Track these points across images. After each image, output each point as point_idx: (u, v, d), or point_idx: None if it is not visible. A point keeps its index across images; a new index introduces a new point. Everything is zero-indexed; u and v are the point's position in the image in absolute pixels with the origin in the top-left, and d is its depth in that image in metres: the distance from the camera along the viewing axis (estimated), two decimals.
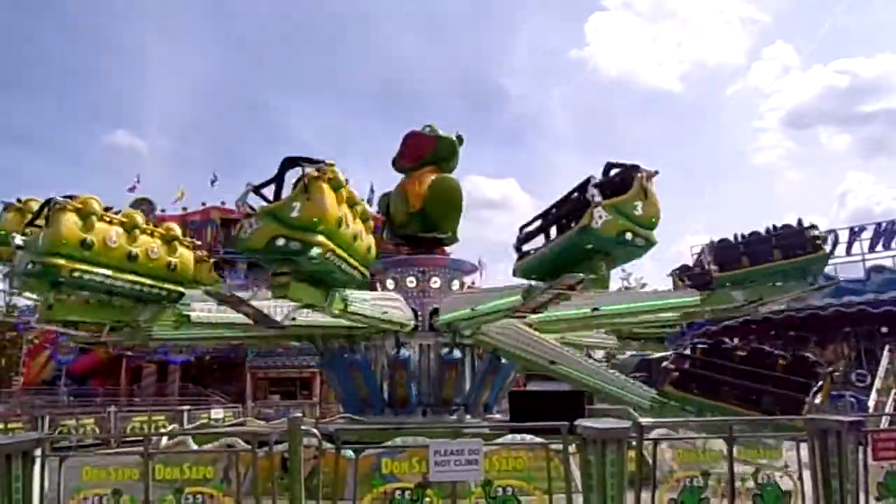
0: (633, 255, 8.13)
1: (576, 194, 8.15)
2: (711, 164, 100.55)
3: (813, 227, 10.33)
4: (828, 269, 32.29)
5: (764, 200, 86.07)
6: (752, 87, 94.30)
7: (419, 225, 13.57)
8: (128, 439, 11.52)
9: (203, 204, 38.51)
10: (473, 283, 19.16)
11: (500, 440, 7.51)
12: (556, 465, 5.55)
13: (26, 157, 74.65)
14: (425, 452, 5.26)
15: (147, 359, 33.37)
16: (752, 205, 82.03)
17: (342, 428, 7.62)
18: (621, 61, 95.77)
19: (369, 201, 41.44)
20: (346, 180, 7.04)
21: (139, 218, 8.11)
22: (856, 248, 30.23)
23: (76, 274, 7.36)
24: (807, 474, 6.05)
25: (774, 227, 10.84)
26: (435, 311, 12.10)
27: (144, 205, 35.77)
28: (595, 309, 11.14)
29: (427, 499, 5.28)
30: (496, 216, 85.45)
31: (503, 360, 12.27)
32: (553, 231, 8.89)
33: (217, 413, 20.16)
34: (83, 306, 8.41)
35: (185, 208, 38.22)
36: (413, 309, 12.00)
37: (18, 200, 8.59)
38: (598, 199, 7.31)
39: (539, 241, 9.25)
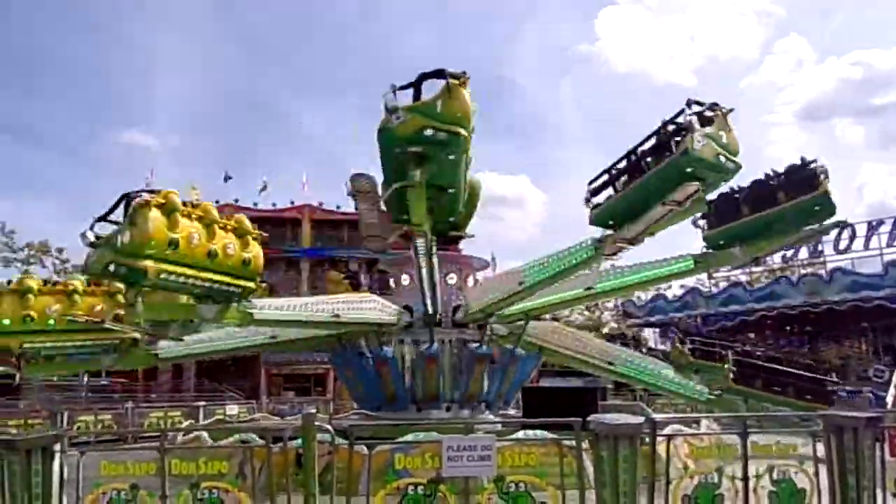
0: (723, 179, 8.32)
1: (653, 139, 8.30)
2: None
3: (815, 160, 9.43)
4: (845, 264, 32.17)
5: None
6: (766, 80, 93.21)
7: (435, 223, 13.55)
8: (145, 435, 11.65)
9: (216, 202, 38.77)
10: (486, 278, 19.10)
11: (512, 436, 7.52)
12: (569, 461, 5.55)
13: (38, 156, 75.51)
14: (438, 448, 5.28)
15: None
16: None
17: (356, 424, 7.71)
18: (633, 56, 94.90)
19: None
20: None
21: (215, 211, 7.74)
22: (873, 242, 29.87)
23: (162, 276, 7.01)
24: (823, 471, 6.00)
25: (774, 170, 9.97)
26: (456, 308, 12.13)
27: None
28: (589, 288, 11.18)
29: (440, 494, 5.29)
30: (508, 213, 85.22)
31: (517, 355, 12.34)
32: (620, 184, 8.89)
33: (232, 409, 20.34)
34: (154, 305, 8.16)
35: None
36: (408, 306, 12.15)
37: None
38: (697, 125, 7.59)
39: (606, 194, 9.20)
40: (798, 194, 9.17)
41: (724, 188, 9.44)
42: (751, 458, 5.84)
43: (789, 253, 36.87)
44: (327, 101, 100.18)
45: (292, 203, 40.85)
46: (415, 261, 10.32)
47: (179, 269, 7.12)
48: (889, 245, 28.93)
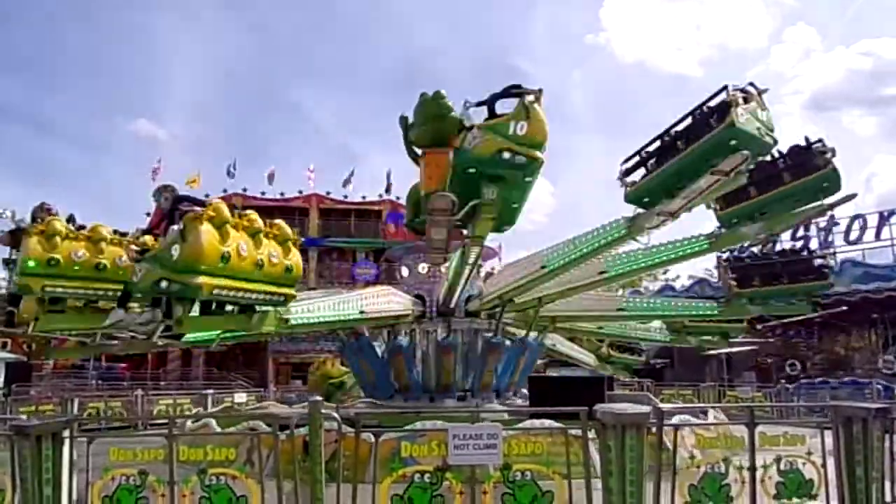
0: (762, 154, 8.37)
1: (689, 119, 8.38)
2: None
3: (819, 140, 9.62)
4: (856, 255, 31.86)
5: None
6: (774, 70, 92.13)
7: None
8: (154, 422, 11.78)
9: (224, 191, 38.90)
10: (493, 269, 19.13)
11: (519, 425, 7.52)
12: (576, 450, 5.55)
13: (46, 145, 75.88)
14: (445, 436, 5.29)
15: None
16: None
17: (363, 412, 7.74)
18: (639, 46, 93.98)
19: (387, 189, 41.53)
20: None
21: (259, 221, 7.49)
22: (885, 233, 29.58)
23: (215, 291, 6.82)
24: (831, 462, 5.97)
25: (780, 152, 9.98)
26: (469, 298, 12.14)
27: (167, 192, 36.15)
28: (602, 272, 11.35)
29: (446, 482, 5.31)
30: None
31: (529, 344, 12.40)
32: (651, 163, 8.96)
33: (240, 397, 20.48)
34: (211, 320, 7.79)
35: (206, 195, 38.59)
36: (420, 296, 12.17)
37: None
38: (740, 100, 7.71)
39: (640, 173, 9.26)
40: (804, 175, 9.32)
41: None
42: (758, 449, 5.82)
43: (799, 244, 36.61)
44: (336, 90, 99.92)
45: (300, 192, 40.90)
46: (456, 266, 10.52)
47: (231, 283, 6.93)
48: None
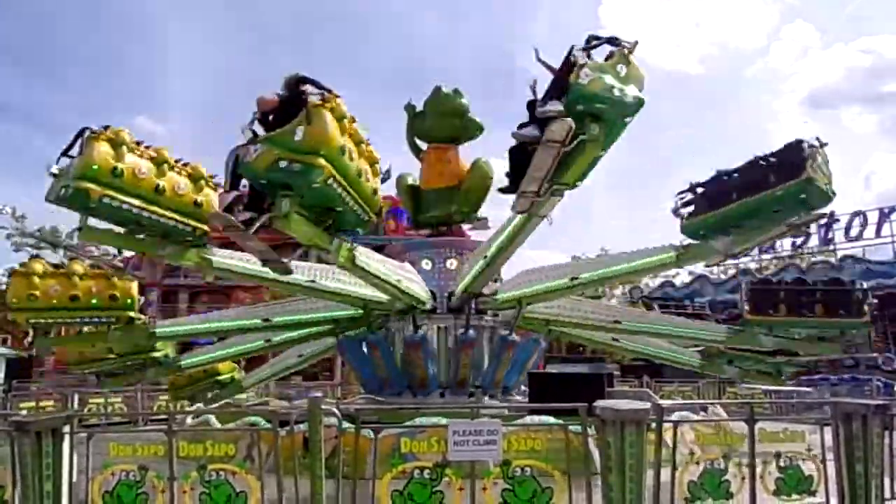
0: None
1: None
2: (732, 148, 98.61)
3: (803, 141, 8.56)
4: (856, 252, 31.74)
5: None
6: (773, 68, 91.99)
7: (460, 206, 13.40)
8: (154, 417, 11.80)
9: (225, 189, 38.81)
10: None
11: (519, 421, 7.53)
12: (576, 446, 5.55)
13: (47, 141, 75.74)
14: (445, 432, 5.30)
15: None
16: None
17: (362, 408, 7.73)
18: (638, 44, 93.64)
19: (384, 180, 41.45)
20: (353, 118, 7.15)
21: (167, 154, 8.13)
22: (885, 229, 29.59)
23: (105, 200, 7.40)
24: (830, 458, 5.98)
25: (770, 151, 9.07)
26: (479, 295, 12.08)
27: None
28: (574, 278, 11.08)
29: (446, 478, 5.31)
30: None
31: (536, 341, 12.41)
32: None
33: (240, 393, 20.47)
34: (115, 235, 8.53)
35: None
36: (432, 291, 12.15)
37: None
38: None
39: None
40: (786, 179, 8.57)
41: (713, 171, 9.41)
42: (758, 445, 5.82)
43: (799, 240, 36.67)
44: (336, 87, 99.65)
45: None
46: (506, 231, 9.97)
47: (122, 197, 7.47)
48: None
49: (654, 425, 5.59)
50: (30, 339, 11.13)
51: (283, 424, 5.89)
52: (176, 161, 8.41)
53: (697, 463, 5.85)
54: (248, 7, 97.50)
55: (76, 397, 15.68)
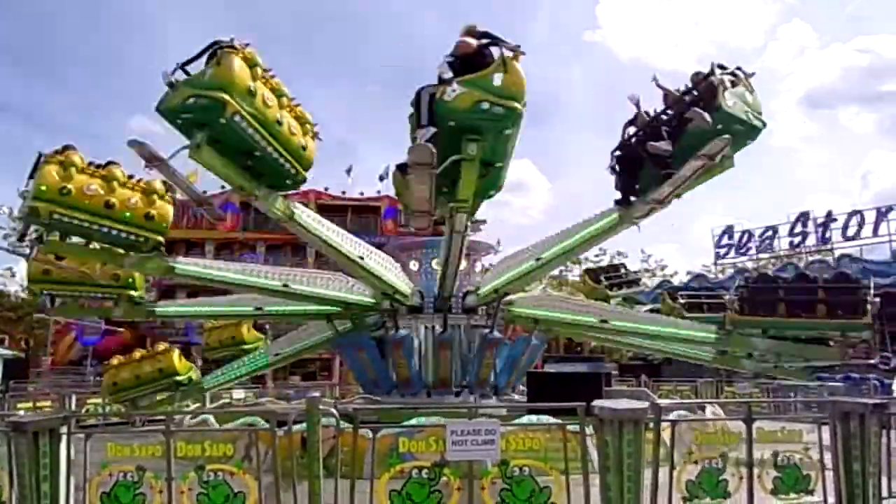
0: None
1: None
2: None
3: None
4: (853, 251, 31.70)
5: (783, 181, 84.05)
6: (771, 67, 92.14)
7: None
8: (152, 418, 11.77)
9: (222, 187, 38.76)
10: (491, 265, 19.06)
11: (517, 421, 7.53)
12: (574, 445, 5.55)
13: (46, 140, 75.48)
14: (443, 432, 5.29)
15: (171, 340, 33.98)
16: (770, 187, 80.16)
17: (361, 408, 7.73)
18: (636, 43, 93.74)
19: (381, 178, 41.38)
20: (269, 70, 7.73)
21: (119, 172, 8.95)
22: (882, 228, 29.64)
23: (55, 216, 8.34)
24: (828, 457, 5.98)
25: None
26: (466, 293, 12.12)
27: (164, 188, 36.13)
28: (538, 259, 11.18)
29: (444, 478, 5.31)
30: (512, 198, 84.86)
31: (530, 340, 12.40)
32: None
33: (238, 393, 20.45)
34: (76, 246, 9.44)
35: (205, 191, 38.41)
36: (420, 291, 12.18)
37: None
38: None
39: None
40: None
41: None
42: (756, 444, 5.83)
43: (797, 240, 36.75)
44: (334, 85, 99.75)
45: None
46: (445, 242, 9.98)
47: (71, 213, 8.43)
48: None
49: (652, 424, 5.60)
50: (34, 237, 9.42)
51: (282, 424, 5.88)
52: (129, 177, 9.18)
53: (695, 462, 5.84)
54: (247, 7, 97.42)
55: (73, 398, 15.64)
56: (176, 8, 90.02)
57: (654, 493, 5.38)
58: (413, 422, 7.28)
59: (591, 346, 28.74)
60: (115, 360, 13.47)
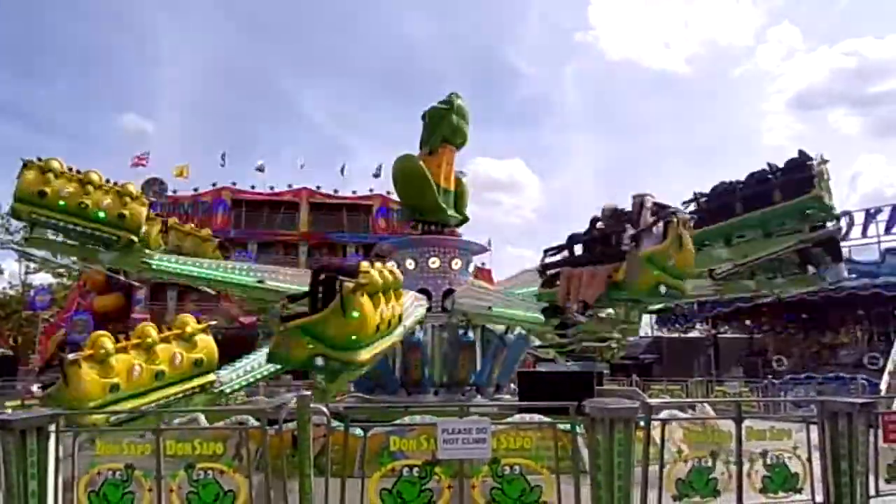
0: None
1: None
2: (720, 147, 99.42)
3: (811, 158, 8.85)
4: (843, 251, 31.89)
5: None
6: (760, 69, 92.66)
7: (448, 205, 13.55)
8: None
9: (213, 185, 38.59)
10: (483, 263, 19.13)
11: (508, 419, 7.54)
12: (564, 444, 5.56)
13: (36, 139, 74.80)
14: (434, 431, 5.29)
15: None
16: None
17: (351, 406, 7.72)
18: (626, 44, 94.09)
19: (376, 175, 41.27)
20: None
21: (95, 177, 9.76)
22: (871, 230, 29.81)
23: (34, 216, 9.45)
24: (816, 456, 6.03)
25: (773, 165, 9.27)
26: (448, 293, 12.12)
27: (156, 185, 35.97)
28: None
29: (435, 477, 5.31)
30: (503, 197, 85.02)
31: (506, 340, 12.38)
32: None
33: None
34: (57, 243, 10.33)
35: (196, 189, 38.26)
36: (426, 290, 12.15)
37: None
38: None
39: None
40: (793, 195, 8.71)
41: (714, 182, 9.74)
42: (745, 443, 5.87)
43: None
44: (326, 83, 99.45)
45: (290, 186, 40.60)
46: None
47: (49, 212, 9.41)
48: (887, 232, 28.86)
49: (642, 423, 5.62)
50: (23, 234, 10.72)
51: (272, 423, 5.86)
52: (106, 181, 9.97)
53: (685, 461, 5.88)
54: (238, 5, 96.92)
55: None
56: (166, 5, 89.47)
57: (645, 492, 5.41)
58: (404, 420, 7.28)
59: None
60: None
